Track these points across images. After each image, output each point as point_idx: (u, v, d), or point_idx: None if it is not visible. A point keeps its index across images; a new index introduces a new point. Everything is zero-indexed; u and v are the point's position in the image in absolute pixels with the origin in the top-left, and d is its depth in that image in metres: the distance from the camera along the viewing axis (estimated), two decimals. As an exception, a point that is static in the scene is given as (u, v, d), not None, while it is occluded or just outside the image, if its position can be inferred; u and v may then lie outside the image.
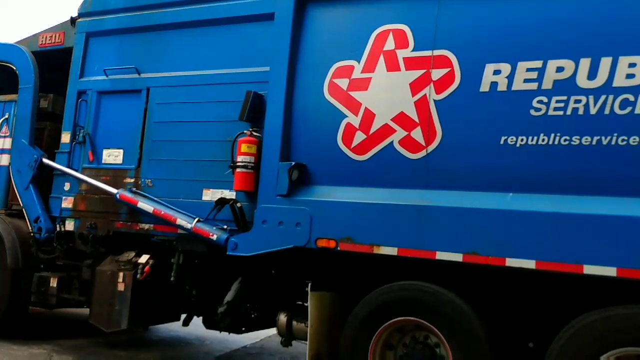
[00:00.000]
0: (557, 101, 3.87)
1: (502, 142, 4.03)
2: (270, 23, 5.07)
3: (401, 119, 4.39)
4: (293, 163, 4.71)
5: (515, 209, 3.92)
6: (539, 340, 4.03)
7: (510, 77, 4.05)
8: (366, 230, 4.35)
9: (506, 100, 4.05)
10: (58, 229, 6.09)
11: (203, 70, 5.49)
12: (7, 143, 6.66)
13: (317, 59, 4.82)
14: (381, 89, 4.51)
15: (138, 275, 5.43)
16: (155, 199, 5.49)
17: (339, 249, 4.44)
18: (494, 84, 4.10)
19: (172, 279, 5.33)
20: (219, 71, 5.42)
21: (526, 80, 3.98)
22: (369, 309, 4.33)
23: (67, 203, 6.09)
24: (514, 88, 4.03)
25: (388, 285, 4.30)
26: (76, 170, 6.07)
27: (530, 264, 3.80)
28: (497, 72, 4.10)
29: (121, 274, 5.46)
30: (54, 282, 5.96)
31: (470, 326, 3.98)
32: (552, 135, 3.88)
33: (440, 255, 4.08)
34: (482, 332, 3.96)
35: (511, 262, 3.86)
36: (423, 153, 4.29)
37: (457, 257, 4.02)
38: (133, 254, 5.61)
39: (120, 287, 5.42)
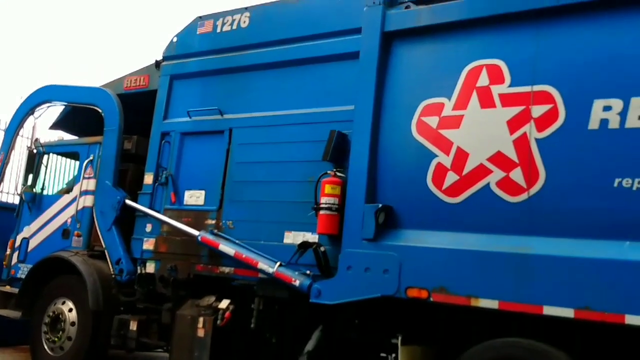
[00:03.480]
0: (680, 138, 3.50)
1: (616, 184, 3.70)
2: (354, 62, 4.95)
3: (498, 158, 4.12)
4: (380, 205, 4.49)
5: (634, 259, 3.53)
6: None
7: (623, 114, 3.74)
8: (462, 280, 4.04)
9: (619, 139, 3.73)
10: (139, 271, 6.08)
11: (285, 110, 5.44)
12: (91, 184, 6.75)
13: (405, 97, 4.65)
14: (475, 127, 4.27)
15: (218, 321, 5.29)
16: (237, 241, 5.39)
17: (431, 299, 4.13)
18: (604, 121, 3.79)
19: (252, 325, 5.16)
20: (301, 111, 5.35)
21: (642, 117, 3.63)
22: (471, 368, 3.97)
23: (149, 244, 6.08)
24: (627, 125, 3.71)
25: (489, 341, 3.94)
26: (158, 212, 6.08)
27: (657, 322, 3.38)
28: (607, 108, 3.79)
29: (201, 319, 5.33)
30: (133, 326, 5.92)
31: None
32: (676, 176, 3.49)
33: (548, 310, 3.71)
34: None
35: (632, 319, 3.48)
36: (524, 196, 3.99)
37: (568, 312, 3.65)
38: (213, 298, 5.49)
39: (200, 332, 5.29)
